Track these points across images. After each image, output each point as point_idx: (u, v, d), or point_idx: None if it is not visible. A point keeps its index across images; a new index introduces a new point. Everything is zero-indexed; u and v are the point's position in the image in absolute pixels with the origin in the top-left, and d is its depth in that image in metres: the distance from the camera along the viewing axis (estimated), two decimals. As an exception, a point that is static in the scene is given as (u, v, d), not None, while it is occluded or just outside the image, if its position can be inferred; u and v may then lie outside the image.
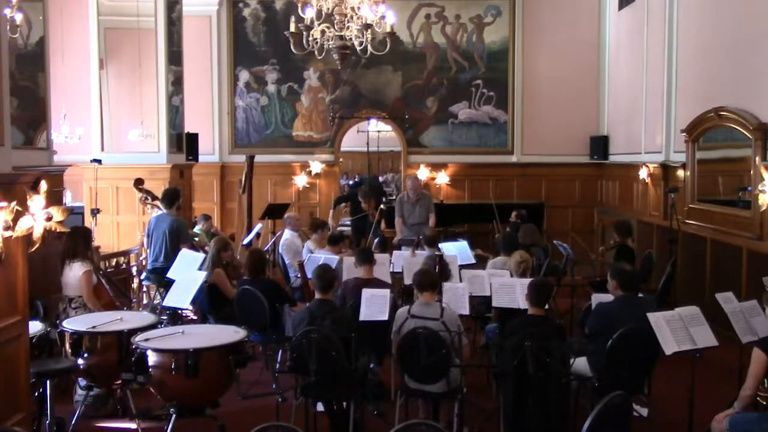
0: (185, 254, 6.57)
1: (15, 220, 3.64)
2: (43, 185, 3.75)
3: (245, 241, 8.84)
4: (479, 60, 12.11)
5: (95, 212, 8.42)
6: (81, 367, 4.57)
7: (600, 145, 11.85)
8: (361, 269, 5.71)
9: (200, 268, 6.16)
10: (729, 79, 7.76)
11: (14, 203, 3.64)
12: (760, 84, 7.09)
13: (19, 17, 6.48)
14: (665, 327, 4.25)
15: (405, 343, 4.52)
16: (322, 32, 6.55)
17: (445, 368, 4.40)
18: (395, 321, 4.72)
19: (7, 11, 5.88)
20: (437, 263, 5.68)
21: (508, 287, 5.52)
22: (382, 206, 9.71)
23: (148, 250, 7.38)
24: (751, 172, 7.13)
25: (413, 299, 5.05)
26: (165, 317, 6.52)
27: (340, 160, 13.60)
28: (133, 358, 4.26)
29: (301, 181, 12.09)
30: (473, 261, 7.23)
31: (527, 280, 5.15)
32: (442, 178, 12.11)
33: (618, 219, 8.78)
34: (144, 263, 7.88)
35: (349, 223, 10.83)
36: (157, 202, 7.47)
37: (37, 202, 3.70)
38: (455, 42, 12.10)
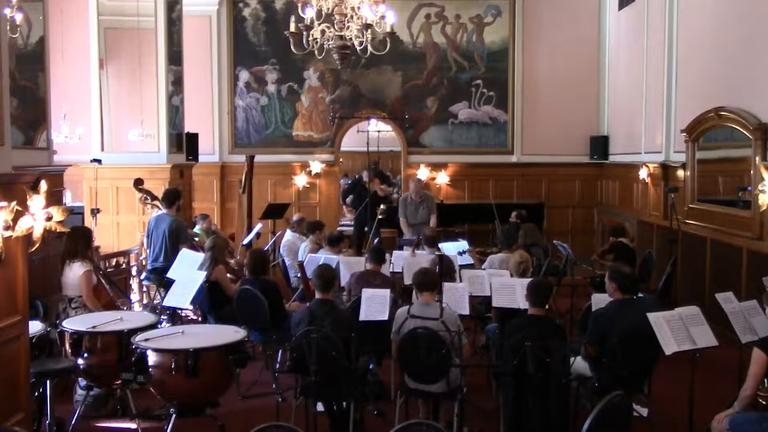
0: (185, 254, 6.57)
1: (15, 220, 3.64)
2: (43, 185, 3.75)
3: (245, 241, 8.83)
4: (479, 60, 12.11)
5: (95, 212, 8.42)
6: (81, 367, 4.57)
7: (600, 145, 11.85)
8: (370, 265, 6.03)
9: (200, 269, 6.16)
10: (729, 79, 7.76)
11: (14, 203, 3.64)
12: (760, 84, 7.08)
13: (19, 17, 6.48)
14: (665, 327, 4.25)
15: (405, 343, 4.52)
16: (322, 32, 6.54)
17: (445, 368, 4.40)
18: (395, 321, 4.72)
19: (7, 11, 5.89)
20: (438, 263, 5.67)
21: (508, 287, 5.52)
22: (382, 207, 9.70)
23: (148, 250, 7.39)
24: (751, 172, 7.13)
25: (412, 299, 5.05)
26: (165, 317, 6.52)
27: (340, 160, 13.60)
28: (133, 358, 4.26)
29: (301, 181, 12.09)
30: (471, 261, 7.24)
31: (527, 280, 5.14)
32: (442, 178, 12.11)
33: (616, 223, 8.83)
34: (144, 263, 7.88)
35: (348, 223, 10.86)
36: (157, 202, 7.48)
37: (37, 202, 3.70)
38: (455, 42, 12.09)
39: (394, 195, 12.64)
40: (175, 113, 9.66)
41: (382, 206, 9.45)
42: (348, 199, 11.85)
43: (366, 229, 9.75)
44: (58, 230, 3.83)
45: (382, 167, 14.71)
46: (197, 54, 11.25)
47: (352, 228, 11.35)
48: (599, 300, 5.03)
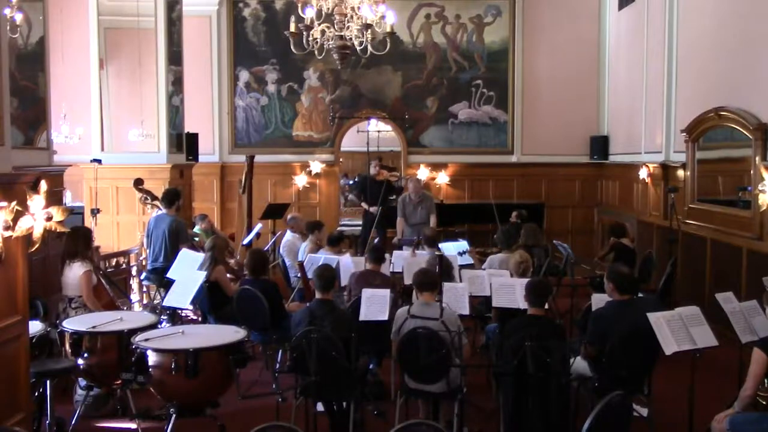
0: (185, 254, 6.57)
1: (15, 220, 3.64)
2: (43, 185, 3.75)
3: (245, 241, 8.83)
4: (479, 60, 12.11)
5: (95, 212, 8.42)
6: (81, 367, 4.57)
7: (600, 145, 11.85)
8: (370, 265, 6.03)
9: (200, 269, 6.15)
10: (729, 79, 7.76)
11: (14, 203, 3.64)
12: (760, 84, 7.08)
13: (19, 17, 6.48)
14: (665, 327, 4.25)
15: (405, 343, 4.52)
16: (322, 32, 6.55)
17: (445, 368, 4.40)
18: (395, 321, 4.73)
19: (7, 11, 5.89)
20: (437, 263, 5.67)
21: (508, 287, 5.52)
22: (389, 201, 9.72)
23: (148, 250, 7.39)
24: (751, 172, 7.13)
25: (412, 299, 5.05)
26: (165, 317, 6.52)
27: (340, 160, 13.59)
28: (133, 358, 4.26)
29: (301, 181, 12.09)
30: (471, 261, 7.23)
31: (527, 280, 5.14)
32: (442, 178, 12.11)
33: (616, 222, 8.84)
34: (144, 263, 7.88)
35: (353, 222, 10.82)
36: (157, 202, 7.47)
37: (37, 202, 3.70)
38: (455, 42, 12.10)
39: (402, 180, 12.64)
40: (175, 113, 9.66)
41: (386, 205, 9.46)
42: (363, 196, 11.79)
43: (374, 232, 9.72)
44: (58, 230, 3.83)
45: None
46: (197, 54, 11.24)
47: (359, 228, 11.24)
48: (599, 300, 5.03)
